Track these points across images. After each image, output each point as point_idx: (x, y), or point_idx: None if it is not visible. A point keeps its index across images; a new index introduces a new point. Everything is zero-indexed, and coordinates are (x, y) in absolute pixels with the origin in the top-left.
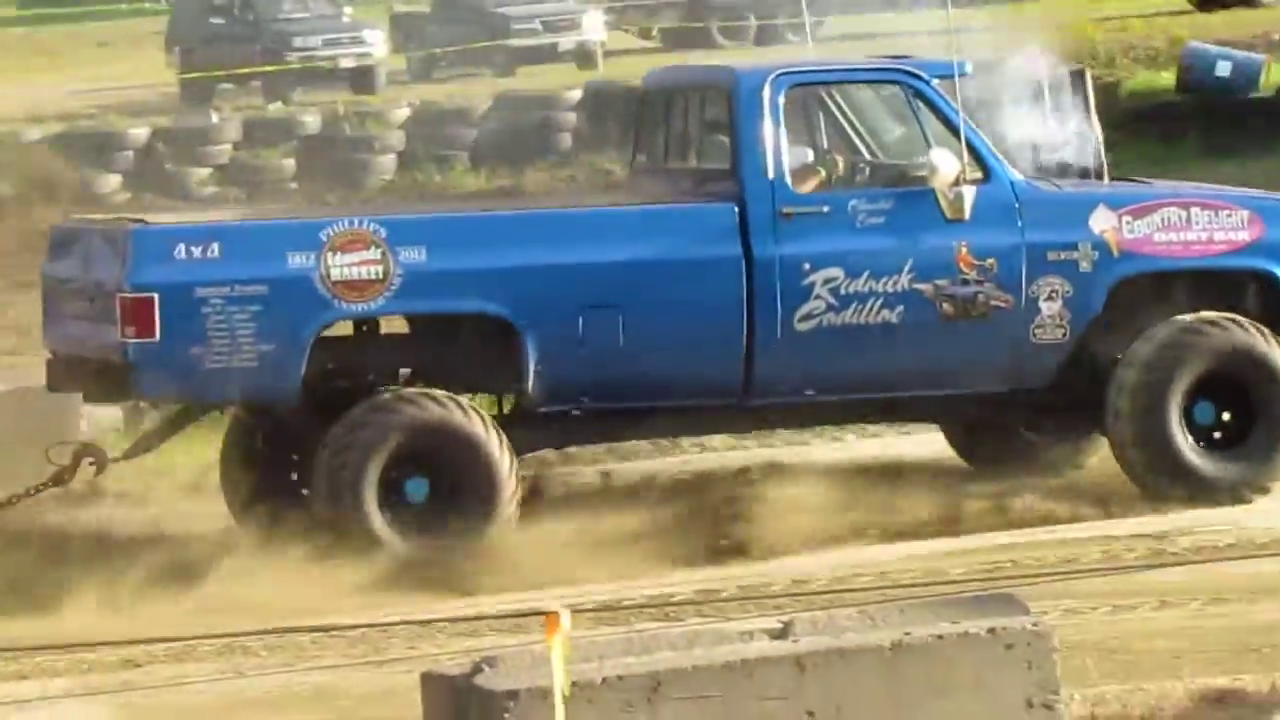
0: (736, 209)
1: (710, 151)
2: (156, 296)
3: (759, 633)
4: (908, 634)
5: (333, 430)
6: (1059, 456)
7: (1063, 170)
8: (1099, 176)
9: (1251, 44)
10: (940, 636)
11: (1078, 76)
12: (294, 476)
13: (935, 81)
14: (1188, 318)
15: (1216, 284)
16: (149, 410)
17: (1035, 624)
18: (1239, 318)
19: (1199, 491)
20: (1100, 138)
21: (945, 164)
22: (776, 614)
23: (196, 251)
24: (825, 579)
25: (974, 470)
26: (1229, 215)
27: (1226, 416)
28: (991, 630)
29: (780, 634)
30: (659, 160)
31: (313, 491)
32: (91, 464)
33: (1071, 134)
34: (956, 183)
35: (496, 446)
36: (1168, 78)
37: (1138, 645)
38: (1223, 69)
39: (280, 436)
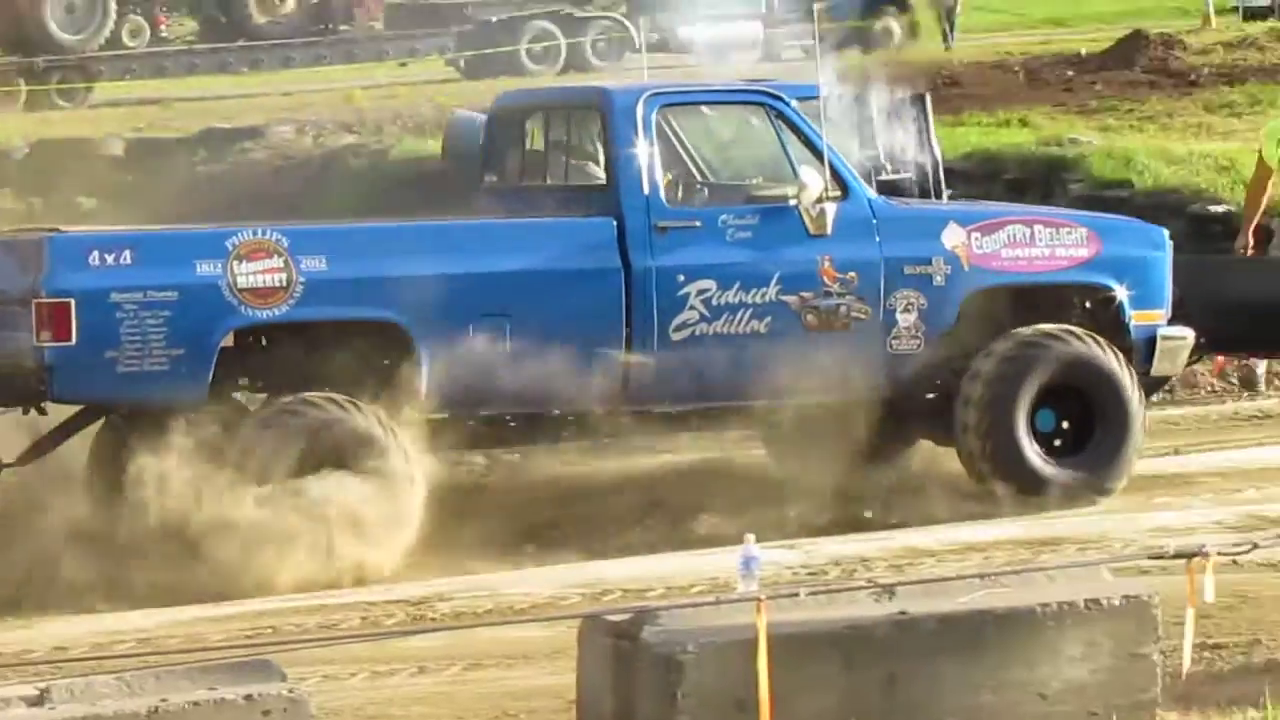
0: (615, 222)
1: (579, 168)
2: (73, 301)
3: (16, 700)
4: (164, 701)
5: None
6: (880, 462)
7: (905, 189)
8: (938, 195)
9: None
10: (197, 703)
11: (918, 100)
12: None
13: (795, 103)
14: (1026, 331)
15: (1055, 297)
16: None
17: (291, 690)
18: (1075, 329)
19: (1047, 498)
20: (940, 159)
21: (811, 181)
22: (36, 681)
23: (110, 258)
24: (86, 645)
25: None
26: (1069, 232)
27: (1066, 424)
28: (248, 697)
29: (37, 701)
30: (513, 179)
31: None
32: None
33: (912, 155)
34: (819, 200)
35: (395, 449)
36: (434, 145)
37: (396, 711)
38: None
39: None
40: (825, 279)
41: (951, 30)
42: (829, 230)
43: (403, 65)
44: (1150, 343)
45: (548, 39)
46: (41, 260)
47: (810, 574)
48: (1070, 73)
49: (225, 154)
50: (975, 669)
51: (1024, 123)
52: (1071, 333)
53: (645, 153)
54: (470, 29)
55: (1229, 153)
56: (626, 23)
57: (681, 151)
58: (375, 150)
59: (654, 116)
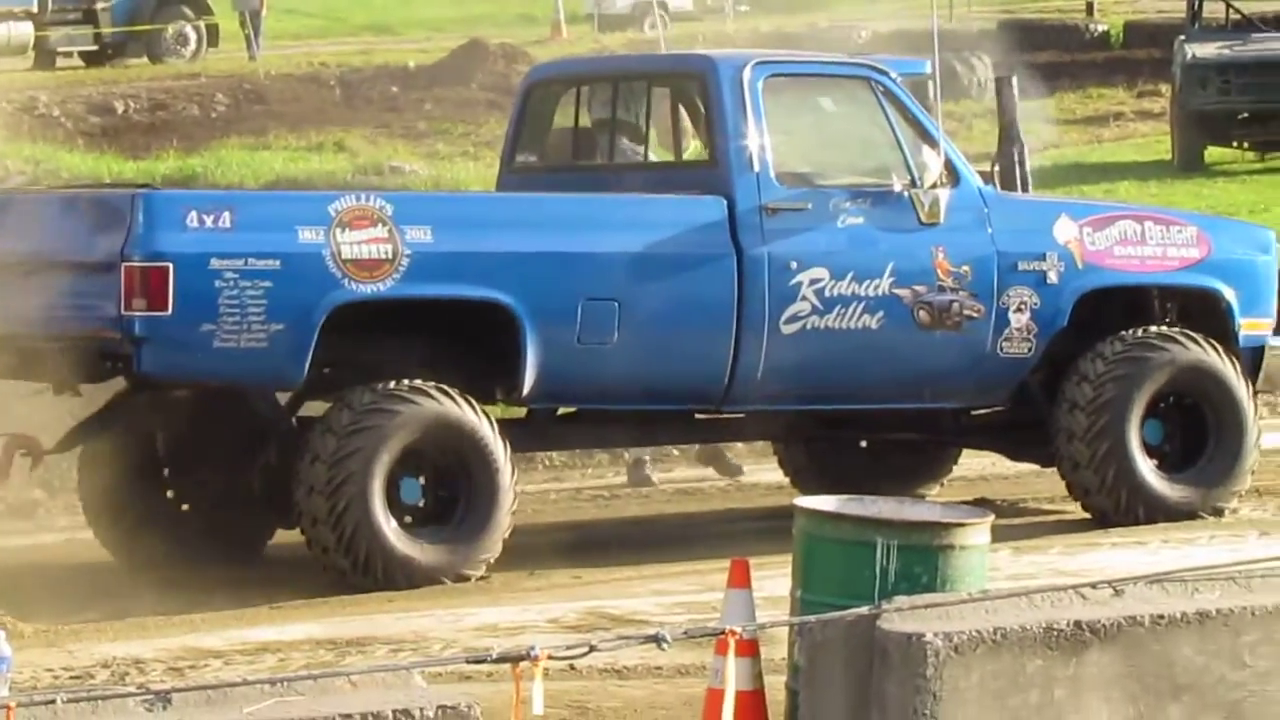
0: (725, 202)
1: (666, 142)
2: (171, 266)
3: None
4: None
5: (333, 419)
6: (913, 476)
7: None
8: (1024, 187)
9: None
10: None
11: (1005, 83)
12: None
13: (900, 79)
14: (1137, 332)
15: (1163, 301)
16: None
17: None
18: (1189, 332)
19: (1157, 513)
20: (1026, 147)
21: (927, 163)
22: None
23: (209, 220)
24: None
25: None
26: (1180, 231)
27: (1172, 436)
28: None
29: None
30: (557, 156)
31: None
32: (25, 455)
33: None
34: (933, 185)
35: (499, 445)
36: None
37: None
38: None
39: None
40: (939, 272)
41: (257, 37)
42: (941, 218)
43: None
44: (1258, 353)
45: None
46: (134, 220)
47: (74, 678)
48: (395, 89)
49: None
50: None
51: (340, 147)
52: (1188, 335)
53: (754, 126)
54: None
55: None
56: None
57: (788, 127)
58: None
59: (761, 85)
